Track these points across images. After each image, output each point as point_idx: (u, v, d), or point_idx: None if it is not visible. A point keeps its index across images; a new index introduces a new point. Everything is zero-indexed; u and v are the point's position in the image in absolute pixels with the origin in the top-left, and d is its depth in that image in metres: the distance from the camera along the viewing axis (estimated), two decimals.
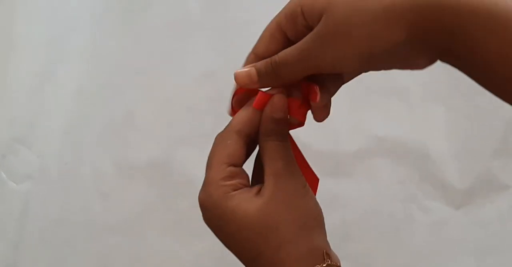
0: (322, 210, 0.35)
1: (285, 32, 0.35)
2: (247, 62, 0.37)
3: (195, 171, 0.73)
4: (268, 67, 0.34)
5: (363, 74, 0.37)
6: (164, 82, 0.77)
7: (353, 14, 0.30)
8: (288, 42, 0.35)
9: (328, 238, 0.35)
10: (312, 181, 0.37)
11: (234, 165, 0.35)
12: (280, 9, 0.35)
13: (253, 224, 0.33)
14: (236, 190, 0.34)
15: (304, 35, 0.33)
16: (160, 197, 0.73)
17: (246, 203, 0.33)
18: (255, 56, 0.36)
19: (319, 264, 0.32)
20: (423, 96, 0.73)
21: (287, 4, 0.34)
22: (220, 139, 0.36)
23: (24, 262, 0.71)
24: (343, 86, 0.38)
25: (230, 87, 0.37)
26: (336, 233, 0.70)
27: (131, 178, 0.74)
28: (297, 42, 0.34)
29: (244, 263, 0.34)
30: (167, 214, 0.72)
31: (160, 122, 0.76)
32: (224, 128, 0.36)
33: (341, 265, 0.34)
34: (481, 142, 0.73)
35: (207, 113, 0.75)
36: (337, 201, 0.72)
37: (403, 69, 0.33)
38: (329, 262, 0.32)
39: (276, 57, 0.34)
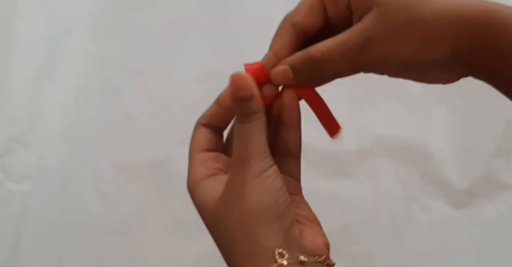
0: (323, 210, 0.34)
1: (325, 5, 0.32)
2: (279, 34, 0.34)
3: None
4: (305, 65, 0.31)
5: (363, 74, 0.37)
6: (164, 82, 0.77)
7: (407, 20, 0.29)
8: (325, 18, 0.32)
9: (328, 238, 0.33)
10: (333, 130, 0.35)
11: (205, 151, 0.34)
12: (280, 9, 0.35)
13: (210, 218, 0.32)
14: (209, 176, 0.33)
15: (344, 15, 0.32)
16: (160, 197, 0.73)
17: (209, 193, 0.32)
18: (291, 25, 0.33)
19: (269, 265, 0.29)
20: (423, 96, 0.73)
21: None
22: (194, 130, 0.36)
23: (23, 262, 0.71)
24: (343, 86, 0.37)
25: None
26: (336, 233, 0.70)
27: (131, 178, 0.74)
28: (334, 20, 0.32)
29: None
30: (166, 214, 0.72)
31: (160, 122, 0.76)
32: (199, 118, 0.36)
33: (341, 265, 0.33)
34: (481, 141, 0.73)
35: None
36: (338, 201, 0.71)
37: (428, 83, 0.33)
38: (281, 262, 0.29)
39: (315, 52, 0.31)
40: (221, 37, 0.78)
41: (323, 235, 0.33)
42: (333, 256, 0.32)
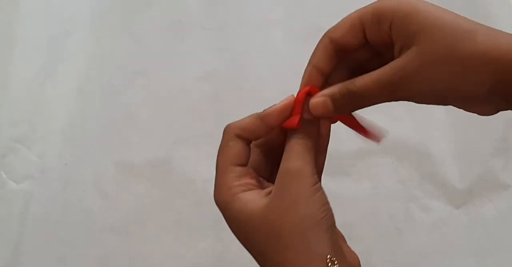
0: None
1: (365, 27, 0.33)
2: (318, 48, 0.35)
3: (195, 171, 0.73)
4: (344, 98, 0.33)
5: None
6: (164, 82, 0.77)
7: (446, 57, 0.30)
8: (365, 38, 0.34)
9: None
10: (376, 137, 0.38)
11: (241, 165, 0.34)
12: (280, 10, 0.35)
13: (256, 224, 0.32)
14: (246, 191, 0.33)
15: (384, 42, 0.32)
16: (160, 197, 0.73)
17: (252, 204, 0.32)
18: (330, 41, 0.34)
19: None
20: None
21: (377, 3, 0.33)
22: (222, 141, 0.36)
23: (25, 261, 0.71)
24: None
25: (230, 87, 0.37)
26: None
27: (131, 178, 0.74)
28: (374, 43, 0.33)
29: (260, 265, 0.34)
30: (167, 214, 0.72)
31: (160, 122, 0.76)
32: (226, 129, 0.36)
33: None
34: (481, 141, 0.73)
35: (207, 113, 0.75)
36: (337, 200, 0.71)
37: (467, 111, 0.33)
38: None
39: (353, 87, 0.33)
40: (221, 37, 0.78)
41: (355, 253, 0.35)
42: None
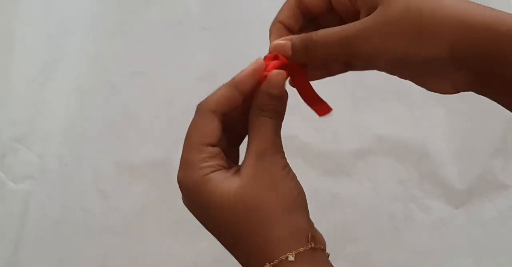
0: (322, 210, 0.34)
1: None
2: (284, 7, 0.36)
3: None
4: (303, 45, 0.33)
5: (364, 74, 0.37)
6: (164, 82, 0.77)
7: (405, 14, 0.30)
8: (329, 5, 0.34)
9: (328, 238, 0.34)
10: (322, 110, 0.37)
11: (212, 145, 0.34)
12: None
13: (231, 205, 0.32)
14: (215, 171, 0.33)
15: (347, 8, 0.33)
16: (160, 197, 0.73)
17: (223, 184, 0.32)
18: (296, 1, 0.35)
19: (302, 247, 0.31)
20: (423, 96, 0.73)
21: None
22: (196, 118, 0.35)
23: (24, 262, 0.71)
24: (343, 86, 0.38)
25: None
26: (336, 232, 0.70)
27: (131, 178, 0.74)
28: (337, 9, 0.34)
29: (226, 247, 0.34)
30: (167, 214, 0.72)
31: (160, 122, 0.76)
32: (199, 106, 0.35)
33: (341, 265, 0.34)
34: (481, 141, 0.73)
35: None
36: (337, 200, 0.72)
37: (426, 88, 0.33)
38: (313, 245, 0.31)
39: (314, 36, 0.33)
40: (221, 37, 0.79)
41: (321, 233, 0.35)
42: (332, 255, 0.34)
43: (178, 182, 0.34)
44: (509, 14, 0.29)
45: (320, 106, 0.36)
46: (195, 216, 0.34)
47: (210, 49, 0.78)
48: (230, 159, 0.35)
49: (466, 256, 0.71)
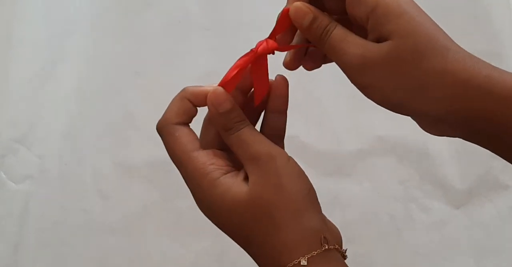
0: (322, 210, 0.34)
1: None
2: None
3: None
4: (320, 29, 0.32)
5: None
6: (163, 83, 0.77)
7: (414, 65, 0.29)
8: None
9: None
10: (261, 90, 0.35)
11: (200, 149, 0.34)
12: (280, 9, 0.35)
13: (242, 210, 0.31)
14: (223, 173, 0.33)
15: (358, 16, 0.31)
16: (160, 197, 0.73)
17: (234, 189, 0.32)
18: None
19: (315, 250, 0.31)
20: None
21: None
22: (165, 138, 0.36)
23: (24, 262, 0.71)
24: (343, 86, 0.38)
25: None
26: None
27: (131, 178, 0.74)
28: (348, 11, 0.32)
29: (243, 248, 0.33)
30: (167, 214, 0.72)
31: None
32: (159, 127, 0.36)
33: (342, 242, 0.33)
34: None
35: (206, 113, 0.75)
36: (337, 201, 0.72)
37: (418, 124, 0.34)
38: (326, 247, 0.31)
39: (333, 28, 0.32)
40: (221, 37, 0.78)
41: (334, 224, 0.35)
42: None
43: (191, 191, 0.34)
44: (506, 73, 0.29)
45: (261, 96, 0.35)
46: (211, 221, 0.34)
47: (210, 49, 0.78)
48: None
49: (466, 256, 0.71)
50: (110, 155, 0.75)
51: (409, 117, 0.34)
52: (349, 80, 0.34)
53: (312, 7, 0.33)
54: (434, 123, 0.32)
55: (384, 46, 0.30)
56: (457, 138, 0.34)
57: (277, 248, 0.31)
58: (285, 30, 0.35)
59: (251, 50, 0.35)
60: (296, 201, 0.31)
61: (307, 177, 0.33)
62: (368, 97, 0.33)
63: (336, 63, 0.33)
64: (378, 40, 0.31)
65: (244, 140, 0.32)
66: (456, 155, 0.73)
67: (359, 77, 0.31)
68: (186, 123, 0.35)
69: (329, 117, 0.74)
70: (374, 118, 0.74)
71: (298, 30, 0.35)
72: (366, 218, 0.72)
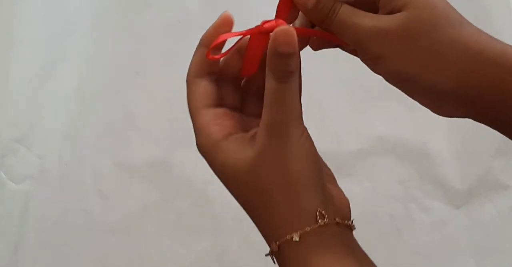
0: None
1: None
2: None
3: (195, 171, 0.73)
4: (326, 9, 0.31)
5: (364, 74, 0.37)
6: (164, 83, 0.77)
7: (428, 34, 0.29)
8: None
9: None
10: (248, 71, 0.34)
11: (214, 106, 0.33)
12: None
13: (243, 181, 0.31)
14: (227, 137, 0.32)
15: None
16: (160, 197, 0.73)
17: (235, 156, 0.31)
18: None
19: (309, 226, 0.30)
20: None
21: None
22: (187, 90, 0.35)
23: (24, 262, 0.71)
24: (343, 86, 0.37)
25: None
26: None
27: (131, 178, 0.74)
28: None
29: (247, 214, 0.33)
30: (167, 214, 0.72)
31: (160, 123, 0.76)
32: (186, 79, 0.35)
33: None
34: (481, 141, 0.73)
35: None
36: None
37: (418, 102, 0.33)
38: (321, 223, 0.30)
39: (339, 8, 0.31)
40: None
41: (345, 195, 0.35)
42: None
43: (198, 149, 0.33)
44: None
45: (250, 69, 0.34)
46: (221, 181, 0.33)
47: None
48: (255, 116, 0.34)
49: (467, 256, 0.71)
50: (110, 155, 0.75)
51: (409, 117, 0.34)
52: (349, 80, 0.33)
53: None
54: (443, 101, 0.31)
55: (398, 17, 0.30)
56: (457, 138, 0.34)
57: (274, 223, 0.31)
58: (287, 15, 0.34)
59: (256, 26, 0.33)
60: (296, 182, 0.30)
61: (315, 155, 0.32)
62: (375, 71, 0.32)
63: (345, 39, 0.32)
64: (391, 13, 0.30)
65: (277, 97, 0.30)
66: (456, 155, 0.73)
67: (372, 48, 0.31)
68: (210, 73, 0.34)
69: (329, 118, 0.74)
70: (374, 118, 0.74)
71: (301, 13, 0.34)
72: (366, 218, 0.72)
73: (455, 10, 0.31)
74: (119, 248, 0.71)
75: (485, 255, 0.71)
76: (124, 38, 0.79)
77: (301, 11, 0.33)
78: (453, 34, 0.29)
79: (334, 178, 0.36)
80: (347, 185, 0.73)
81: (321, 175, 0.32)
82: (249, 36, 0.34)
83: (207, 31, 0.34)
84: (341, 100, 0.73)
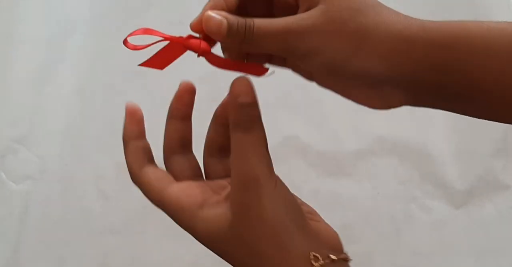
0: (322, 210, 0.33)
1: None
2: None
3: None
4: (241, 29, 0.31)
5: None
6: (164, 83, 0.77)
7: (348, 23, 0.29)
8: None
9: None
10: (259, 72, 0.34)
11: (167, 182, 0.34)
12: None
13: (231, 244, 0.31)
14: (201, 202, 0.32)
15: (288, 4, 0.31)
16: None
17: (216, 222, 0.31)
18: None
19: None
20: None
21: None
22: (138, 185, 0.36)
23: (24, 262, 0.71)
24: None
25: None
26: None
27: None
28: (278, 3, 0.32)
29: None
30: (166, 214, 0.72)
31: (161, 123, 0.75)
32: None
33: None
34: (481, 142, 0.73)
35: (207, 113, 0.75)
36: (338, 201, 0.71)
37: (354, 101, 0.32)
38: (318, 265, 0.29)
39: (252, 23, 0.31)
40: None
41: (331, 228, 0.33)
42: None
43: (177, 223, 0.34)
44: (439, 22, 0.29)
45: (254, 69, 0.34)
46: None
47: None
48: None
49: (467, 256, 0.71)
50: (110, 154, 0.75)
51: (409, 118, 0.34)
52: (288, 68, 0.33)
53: (221, 12, 0.32)
54: (378, 88, 0.30)
55: (317, 10, 0.29)
56: (457, 138, 0.33)
57: None
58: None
59: (181, 37, 0.35)
60: (280, 233, 0.29)
61: (291, 201, 0.31)
62: (308, 74, 0.32)
63: (271, 51, 0.31)
64: (309, 8, 0.30)
65: (248, 151, 0.30)
66: (456, 155, 0.73)
67: (299, 45, 0.30)
68: (150, 162, 0.35)
69: (329, 118, 0.74)
70: (374, 118, 0.74)
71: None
72: (367, 218, 0.72)
73: None
74: (119, 248, 0.71)
75: (485, 255, 0.71)
76: (124, 38, 0.79)
77: (218, 40, 0.33)
78: (374, 16, 0.29)
79: (316, 213, 0.34)
80: (347, 185, 0.73)
81: (301, 216, 0.31)
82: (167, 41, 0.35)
83: (124, 128, 0.37)
84: (341, 100, 0.73)
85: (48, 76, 0.77)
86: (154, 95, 0.78)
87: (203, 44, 0.34)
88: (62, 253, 0.71)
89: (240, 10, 0.33)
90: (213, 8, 0.33)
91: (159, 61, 0.35)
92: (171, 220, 0.34)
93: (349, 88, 0.32)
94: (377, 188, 0.73)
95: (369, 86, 0.31)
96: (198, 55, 0.35)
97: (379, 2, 0.30)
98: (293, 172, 0.70)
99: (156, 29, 0.35)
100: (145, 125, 0.37)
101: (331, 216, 0.34)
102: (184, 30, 0.34)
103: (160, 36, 0.35)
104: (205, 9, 0.34)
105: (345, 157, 0.73)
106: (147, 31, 0.35)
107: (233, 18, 0.31)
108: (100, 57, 0.78)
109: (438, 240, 0.71)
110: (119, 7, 0.80)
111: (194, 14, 0.35)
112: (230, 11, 0.32)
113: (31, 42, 0.79)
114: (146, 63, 0.35)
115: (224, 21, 0.31)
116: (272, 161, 0.31)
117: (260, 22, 0.30)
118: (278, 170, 0.31)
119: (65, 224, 0.72)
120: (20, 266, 0.71)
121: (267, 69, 0.34)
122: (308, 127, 0.73)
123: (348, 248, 0.34)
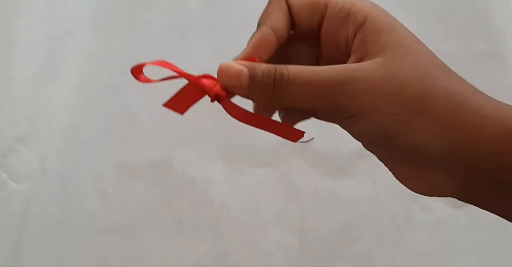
0: (323, 210, 0.33)
1: (326, 14, 0.26)
2: (272, 6, 0.26)
3: (196, 171, 0.73)
4: (268, 78, 0.25)
5: None
6: (164, 83, 0.77)
7: (413, 83, 0.23)
8: (315, 26, 0.26)
9: (328, 238, 0.33)
10: (295, 136, 0.28)
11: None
12: None
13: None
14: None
15: (335, 39, 0.25)
16: (160, 197, 0.73)
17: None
18: (286, 2, 0.26)
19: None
20: None
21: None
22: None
23: (25, 262, 0.71)
24: None
25: None
26: (337, 232, 0.70)
27: (132, 178, 0.74)
28: (323, 34, 0.26)
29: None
30: (167, 214, 0.72)
31: (161, 123, 0.76)
32: None
33: (342, 265, 0.33)
34: None
35: (207, 113, 0.75)
36: (338, 200, 0.71)
37: (398, 178, 0.27)
38: None
39: (286, 71, 0.24)
40: (222, 37, 0.78)
41: None
42: (333, 255, 0.33)
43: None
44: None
45: (285, 131, 0.28)
46: None
47: (211, 49, 0.78)
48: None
49: (468, 256, 0.71)
50: (111, 154, 0.75)
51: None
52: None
53: (242, 61, 0.26)
54: (428, 168, 0.26)
55: (374, 63, 0.24)
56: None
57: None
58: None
59: (197, 76, 0.28)
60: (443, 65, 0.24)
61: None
62: (355, 132, 0.26)
63: (308, 106, 0.26)
64: (362, 60, 0.25)
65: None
66: None
67: (346, 104, 0.24)
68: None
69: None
70: None
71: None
72: (367, 218, 0.72)
73: (437, 57, 0.25)
74: (120, 248, 0.72)
75: (486, 255, 0.70)
76: (124, 38, 0.79)
77: (238, 93, 0.27)
78: (446, 83, 0.24)
79: None
80: (348, 185, 0.73)
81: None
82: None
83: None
84: None
85: (48, 75, 0.78)
86: (154, 95, 0.78)
87: (218, 88, 0.27)
88: (62, 253, 0.71)
89: (280, 54, 0.28)
90: (260, 42, 0.27)
91: (179, 103, 0.29)
92: (171, 220, 0.33)
93: (393, 160, 0.27)
94: (378, 187, 0.73)
95: (417, 162, 0.26)
96: (212, 100, 0.28)
97: (448, 67, 0.25)
98: (293, 172, 0.70)
99: (157, 29, 0.34)
100: (146, 125, 0.37)
101: (332, 216, 0.34)
102: (184, 30, 0.34)
103: (175, 71, 0.28)
104: (249, 46, 0.28)
105: (345, 156, 0.73)
106: (162, 64, 0.28)
107: (258, 64, 0.26)
108: (100, 57, 0.78)
109: (439, 240, 0.71)
110: (119, 7, 0.80)
111: (194, 14, 0.35)
112: (279, 44, 0.27)
113: (31, 42, 0.79)
114: (168, 105, 0.30)
115: (245, 69, 0.26)
116: (272, 161, 0.31)
117: (296, 70, 0.24)
118: (278, 170, 0.31)
119: (65, 224, 0.72)
120: (20, 266, 0.71)
121: (302, 133, 0.28)
122: (308, 127, 0.73)
123: (348, 248, 0.35)
